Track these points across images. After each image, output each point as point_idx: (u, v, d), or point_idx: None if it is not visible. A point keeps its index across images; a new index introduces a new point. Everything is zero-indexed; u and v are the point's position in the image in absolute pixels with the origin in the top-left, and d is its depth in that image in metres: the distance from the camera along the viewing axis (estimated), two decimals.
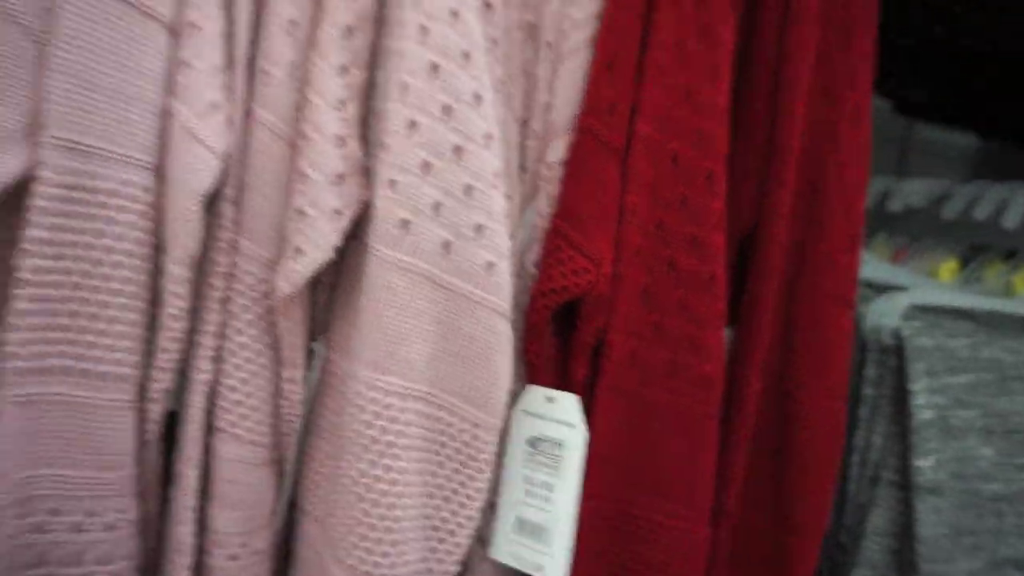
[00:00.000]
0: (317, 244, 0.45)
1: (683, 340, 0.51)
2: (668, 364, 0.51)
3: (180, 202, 0.42)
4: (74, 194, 0.39)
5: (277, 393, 0.49)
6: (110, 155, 0.40)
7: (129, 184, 0.41)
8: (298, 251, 0.45)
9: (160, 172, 0.43)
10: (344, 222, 0.46)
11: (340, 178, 0.46)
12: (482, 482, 0.49)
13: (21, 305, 0.38)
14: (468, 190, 0.47)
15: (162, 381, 0.44)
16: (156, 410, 0.45)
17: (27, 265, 0.38)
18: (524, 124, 0.54)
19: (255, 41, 0.46)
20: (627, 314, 0.51)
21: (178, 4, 0.43)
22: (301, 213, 0.45)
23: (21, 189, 0.38)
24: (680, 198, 0.52)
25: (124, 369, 0.42)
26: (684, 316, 0.51)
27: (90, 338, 0.41)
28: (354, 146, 0.47)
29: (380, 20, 0.48)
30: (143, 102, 0.41)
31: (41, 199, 0.38)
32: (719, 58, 0.52)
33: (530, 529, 0.52)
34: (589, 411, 0.52)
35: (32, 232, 0.38)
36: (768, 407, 0.57)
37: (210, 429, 0.47)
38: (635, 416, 0.52)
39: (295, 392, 0.49)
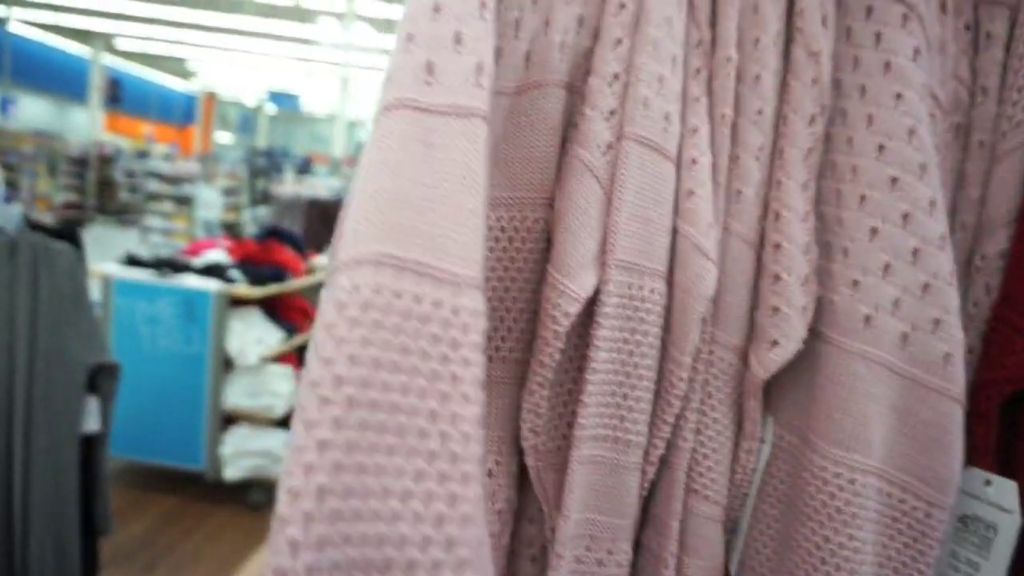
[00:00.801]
0: (791, 337, 0.52)
1: None
2: None
3: (691, 304, 0.52)
4: (627, 301, 0.51)
5: (735, 461, 0.56)
6: (646, 269, 0.52)
7: (656, 291, 0.52)
8: (774, 343, 0.53)
9: (670, 280, 0.53)
10: (809, 317, 0.53)
11: (806, 279, 0.53)
12: (932, 558, 0.52)
13: (591, 387, 0.51)
14: (925, 288, 0.51)
15: (659, 448, 0.54)
16: (651, 471, 0.55)
17: (598, 357, 0.50)
18: (951, 216, 0.58)
19: (730, 167, 0.56)
20: None
21: (680, 143, 0.54)
22: (776, 310, 0.53)
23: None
24: None
25: (639, 438, 0.53)
26: None
27: (624, 412, 0.52)
28: (815, 251, 0.54)
29: (827, 138, 0.56)
30: (662, 225, 0.53)
31: (608, 307, 0.50)
32: None
33: None
34: None
35: (602, 332, 0.50)
36: None
37: (686, 489, 0.56)
38: None
39: (750, 461, 0.56)
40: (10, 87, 13.15)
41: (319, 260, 3.82)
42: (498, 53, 0.52)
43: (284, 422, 3.21)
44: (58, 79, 16.28)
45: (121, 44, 17.12)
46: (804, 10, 0.55)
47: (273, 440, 3.12)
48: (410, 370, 0.31)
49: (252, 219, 8.96)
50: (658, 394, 0.54)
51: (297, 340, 3.35)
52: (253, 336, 3.19)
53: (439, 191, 0.35)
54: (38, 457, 1.75)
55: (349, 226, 0.33)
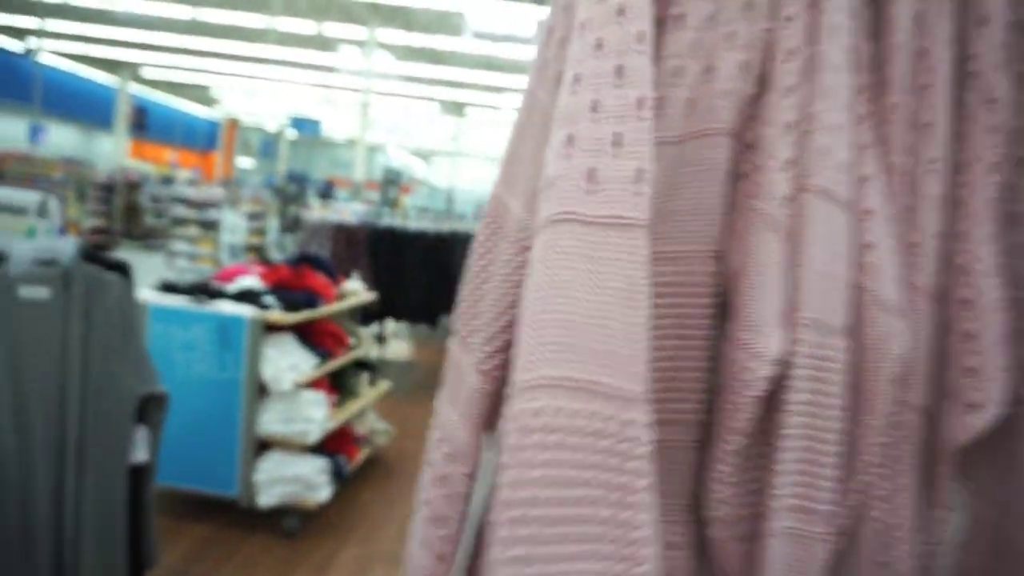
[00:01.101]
0: (992, 400, 0.49)
1: None
2: None
3: (881, 364, 0.48)
4: (815, 362, 0.48)
5: (923, 530, 0.52)
6: (832, 328, 0.48)
7: (840, 350, 0.49)
8: (973, 406, 0.49)
9: (854, 338, 0.50)
10: (1012, 378, 0.49)
11: (1003, 337, 0.50)
12: None
13: (785, 455, 0.47)
14: None
15: (846, 517, 0.50)
16: (835, 542, 0.51)
17: (790, 423, 0.47)
18: None
19: (906, 218, 0.53)
20: None
21: (854, 193, 0.51)
22: (971, 371, 0.50)
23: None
24: None
25: (827, 507, 0.49)
26: None
27: (811, 480, 0.48)
28: (1008, 307, 0.50)
29: (1011, 188, 0.53)
30: (842, 280, 0.49)
31: (800, 368, 0.47)
32: None
33: None
34: None
35: (794, 395, 0.47)
36: None
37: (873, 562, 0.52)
38: None
39: (940, 532, 0.52)
40: (40, 116, 13.45)
41: (349, 285, 3.81)
42: (659, 103, 0.50)
43: (318, 448, 3.17)
44: (86, 108, 16.64)
45: (147, 73, 17.50)
46: (978, 55, 0.53)
47: (307, 466, 3.09)
48: (585, 484, 0.34)
49: (276, 244, 9.02)
50: (845, 460, 0.50)
51: (330, 365, 3.33)
52: (287, 362, 3.17)
53: (604, 308, 0.37)
54: (89, 487, 1.73)
55: (524, 346, 0.36)
